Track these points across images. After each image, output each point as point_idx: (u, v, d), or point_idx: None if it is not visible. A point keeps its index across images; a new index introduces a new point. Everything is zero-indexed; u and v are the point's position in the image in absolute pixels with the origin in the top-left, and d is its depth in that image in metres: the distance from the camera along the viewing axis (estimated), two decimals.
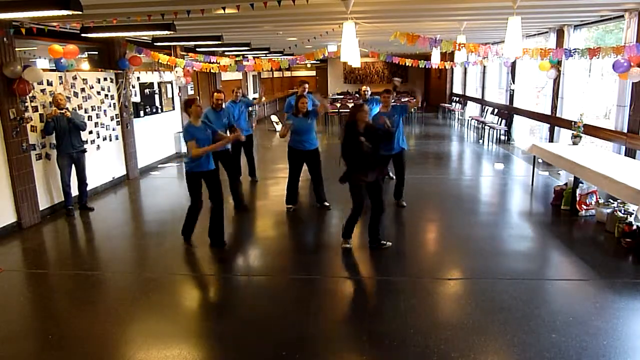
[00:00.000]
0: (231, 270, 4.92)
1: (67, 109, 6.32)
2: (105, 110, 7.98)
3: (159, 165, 9.85)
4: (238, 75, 15.57)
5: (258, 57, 12.59)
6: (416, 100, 7.14)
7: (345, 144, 4.73)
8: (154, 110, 9.80)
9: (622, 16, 6.65)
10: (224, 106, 6.64)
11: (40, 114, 6.39)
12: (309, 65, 25.09)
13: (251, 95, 17.13)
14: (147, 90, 9.54)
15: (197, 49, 11.14)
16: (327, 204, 6.57)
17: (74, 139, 6.38)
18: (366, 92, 8.04)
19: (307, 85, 7.16)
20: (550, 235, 5.53)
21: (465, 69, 16.29)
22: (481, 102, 14.43)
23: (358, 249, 5.13)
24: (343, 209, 6.76)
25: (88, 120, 7.40)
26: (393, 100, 6.42)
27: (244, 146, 7.81)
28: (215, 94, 6.52)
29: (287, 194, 6.55)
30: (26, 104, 6.12)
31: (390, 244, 5.05)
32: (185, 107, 5.02)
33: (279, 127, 15.14)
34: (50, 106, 6.45)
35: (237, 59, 12.51)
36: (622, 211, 5.33)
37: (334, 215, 6.52)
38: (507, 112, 11.73)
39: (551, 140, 9.22)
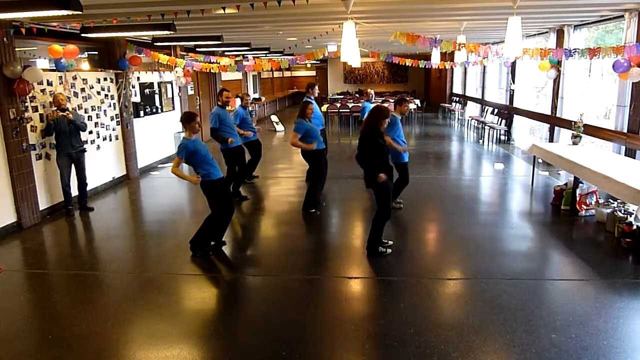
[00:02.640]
0: (231, 270, 4.92)
1: (68, 110, 6.30)
2: (105, 110, 7.97)
3: (159, 165, 9.85)
4: (238, 75, 15.57)
5: (258, 57, 12.58)
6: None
7: (371, 148, 4.62)
8: (154, 110, 9.80)
9: (622, 16, 6.65)
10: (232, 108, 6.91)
11: (40, 114, 6.39)
12: (309, 65, 25.09)
13: (251, 95, 17.13)
14: (147, 90, 9.54)
15: (197, 49, 11.14)
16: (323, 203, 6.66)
17: (73, 139, 6.38)
18: (371, 94, 8.09)
19: (317, 88, 7.29)
20: (550, 235, 5.53)
21: (465, 69, 16.29)
22: (481, 102, 14.43)
23: (357, 249, 5.13)
24: (341, 208, 6.77)
25: (88, 120, 7.40)
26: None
27: (254, 148, 7.91)
28: (225, 92, 6.94)
29: (317, 197, 6.42)
30: (26, 104, 6.11)
31: (390, 250, 4.96)
32: (185, 120, 4.81)
33: (279, 127, 15.15)
34: (50, 106, 6.45)
35: (237, 59, 12.51)
36: (622, 211, 5.34)
37: (333, 215, 6.52)
38: (507, 112, 11.73)
39: (551, 140, 9.22)
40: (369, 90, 8.28)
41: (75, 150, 6.46)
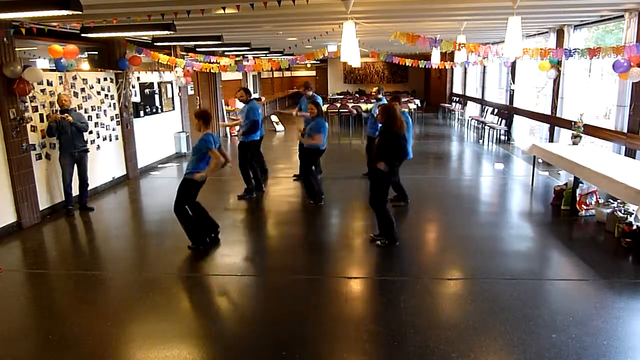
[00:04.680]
0: (231, 270, 4.91)
1: (68, 113, 6.27)
2: (105, 110, 7.97)
3: (159, 165, 9.85)
4: (238, 75, 15.57)
5: (258, 57, 12.59)
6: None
7: (391, 146, 4.85)
8: (154, 110, 9.80)
9: (622, 16, 6.65)
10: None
11: (40, 114, 6.39)
12: (309, 65, 25.10)
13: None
14: (147, 90, 9.54)
15: (197, 49, 11.13)
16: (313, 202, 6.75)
17: (75, 139, 6.37)
18: (378, 92, 8.04)
19: (310, 92, 7.43)
20: (550, 235, 5.53)
21: (465, 69, 16.28)
22: (481, 102, 14.42)
23: (358, 248, 5.13)
24: (341, 208, 6.77)
25: (88, 120, 7.39)
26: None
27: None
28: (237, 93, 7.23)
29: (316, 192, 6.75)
30: (26, 104, 6.11)
31: (387, 241, 5.09)
32: (205, 120, 5.08)
33: (279, 127, 15.14)
34: (50, 106, 6.44)
35: (237, 59, 12.51)
36: (622, 211, 5.34)
37: (333, 215, 6.52)
38: (507, 112, 11.73)
39: (551, 140, 9.21)
40: (374, 88, 8.25)
41: (78, 150, 6.46)
